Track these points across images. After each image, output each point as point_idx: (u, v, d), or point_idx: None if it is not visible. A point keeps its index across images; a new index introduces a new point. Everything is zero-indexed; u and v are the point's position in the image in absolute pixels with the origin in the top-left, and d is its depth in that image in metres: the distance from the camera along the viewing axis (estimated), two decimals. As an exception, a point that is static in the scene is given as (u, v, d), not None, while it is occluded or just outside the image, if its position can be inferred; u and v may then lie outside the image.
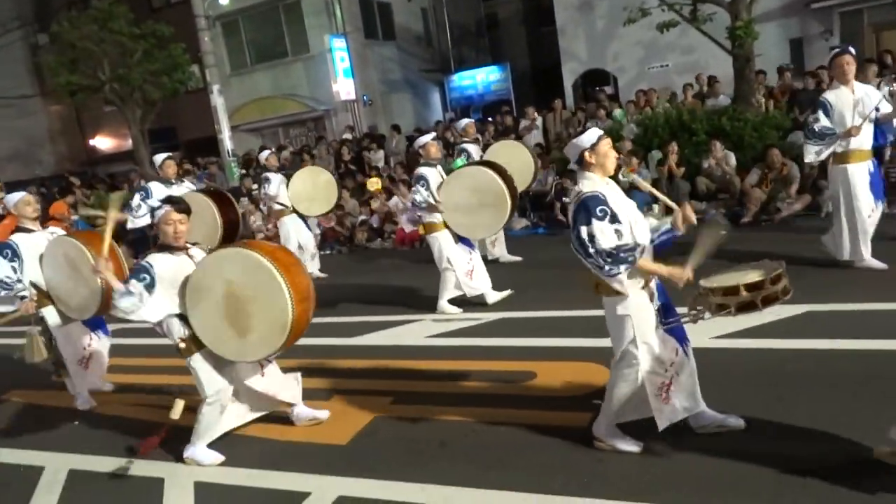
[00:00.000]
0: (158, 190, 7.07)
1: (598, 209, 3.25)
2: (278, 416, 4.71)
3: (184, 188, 7.26)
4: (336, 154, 14.62)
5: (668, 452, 3.48)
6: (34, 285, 5.13)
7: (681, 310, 3.50)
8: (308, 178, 9.04)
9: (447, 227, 6.49)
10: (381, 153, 14.36)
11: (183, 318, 3.98)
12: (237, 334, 3.83)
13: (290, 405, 4.49)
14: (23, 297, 5.09)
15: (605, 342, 5.10)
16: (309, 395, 4.98)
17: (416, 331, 6.22)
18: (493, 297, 6.65)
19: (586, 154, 3.40)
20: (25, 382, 6.33)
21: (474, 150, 8.31)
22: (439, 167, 6.68)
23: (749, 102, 10.61)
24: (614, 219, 3.27)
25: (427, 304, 6.76)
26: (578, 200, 3.34)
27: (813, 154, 5.96)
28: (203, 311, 3.90)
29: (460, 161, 6.87)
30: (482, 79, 22.38)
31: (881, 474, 2.99)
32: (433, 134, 7.10)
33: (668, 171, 9.67)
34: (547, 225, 10.28)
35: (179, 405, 4.16)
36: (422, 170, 6.58)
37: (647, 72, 18.01)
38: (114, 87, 16.28)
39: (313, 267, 8.97)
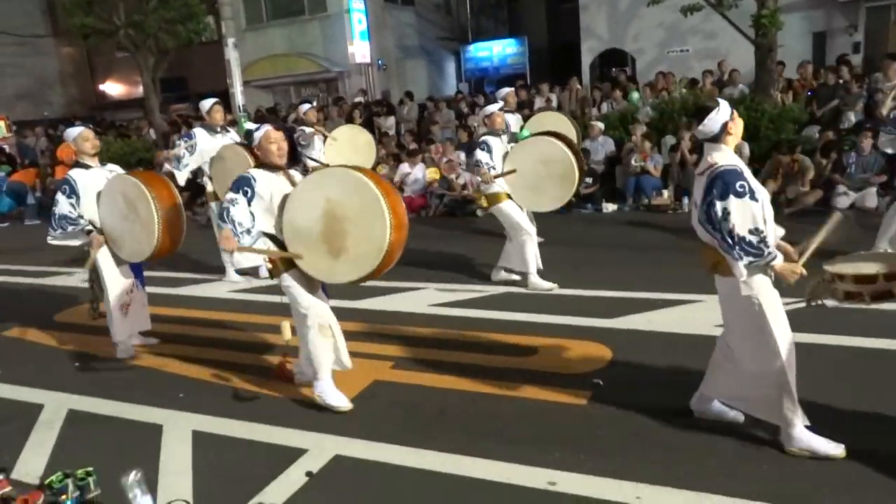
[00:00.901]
0: (203, 136, 6.90)
1: (737, 184, 3.05)
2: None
3: (228, 138, 7.07)
4: (347, 117, 14.51)
5: (666, 435, 3.51)
6: (91, 224, 5.06)
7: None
8: (346, 137, 8.82)
9: (509, 197, 6.24)
10: (391, 119, 14.26)
11: (272, 238, 3.95)
12: (331, 254, 3.79)
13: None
14: (88, 232, 5.01)
15: (608, 323, 5.17)
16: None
17: (418, 298, 6.23)
18: (501, 275, 6.50)
19: (730, 124, 3.21)
20: (27, 320, 6.37)
21: (513, 121, 7.99)
22: (504, 137, 6.41)
23: (768, 93, 10.50)
24: (753, 196, 3.06)
25: (432, 272, 6.75)
26: (714, 173, 3.12)
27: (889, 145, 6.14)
28: (300, 227, 3.85)
29: (526, 132, 6.61)
30: (498, 51, 22.14)
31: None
32: (499, 104, 6.79)
33: (681, 157, 9.61)
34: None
35: (287, 326, 4.06)
36: (485, 137, 6.33)
37: (666, 55, 17.79)
38: (128, 33, 16.08)
39: None
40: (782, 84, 11.41)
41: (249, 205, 3.84)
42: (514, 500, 3.14)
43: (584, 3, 18.91)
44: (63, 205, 4.96)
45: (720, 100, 3.31)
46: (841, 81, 10.55)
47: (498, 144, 6.29)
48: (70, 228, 4.98)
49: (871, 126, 8.95)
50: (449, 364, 4.68)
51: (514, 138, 6.49)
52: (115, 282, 5.15)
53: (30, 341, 5.95)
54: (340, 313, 5.83)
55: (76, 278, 8.09)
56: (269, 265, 4.04)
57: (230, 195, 3.88)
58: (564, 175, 6.06)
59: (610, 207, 9.95)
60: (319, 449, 3.68)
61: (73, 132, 5.14)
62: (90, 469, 3.44)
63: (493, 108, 6.57)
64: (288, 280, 4.00)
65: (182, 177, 6.86)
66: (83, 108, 24.28)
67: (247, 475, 3.47)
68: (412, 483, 3.33)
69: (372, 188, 3.68)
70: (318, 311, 4.02)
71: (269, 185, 3.92)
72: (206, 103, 7.12)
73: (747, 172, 3.15)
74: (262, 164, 4.02)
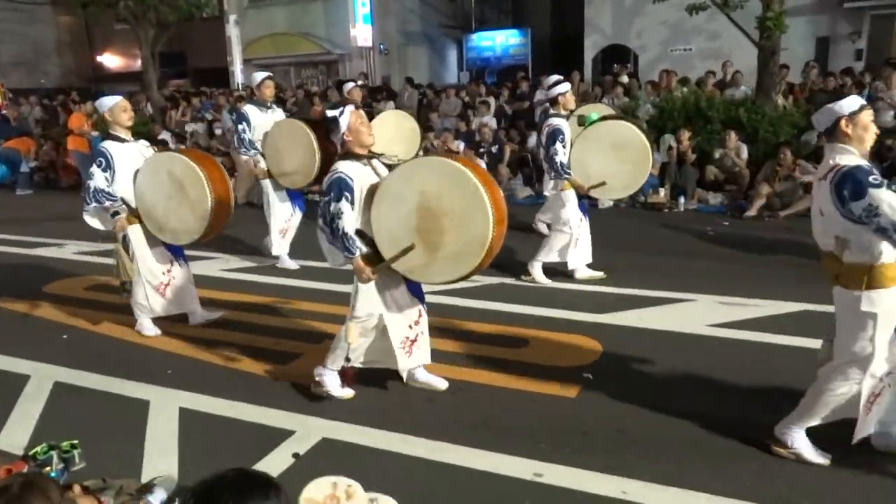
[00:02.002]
0: (254, 114, 6.70)
1: (870, 177, 2.80)
2: (270, 351, 4.74)
3: (279, 113, 6.91)
4: (344, 101, 14.41)
5: (653, 431, 3.52)
6: (123, 202, 4.87)
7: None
8: (392, 122, 8.34)
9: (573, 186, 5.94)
10: (391, 104, 14.16)
11: (360, 233, 3.67)
12: (426, 251, 3.52)
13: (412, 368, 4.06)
14: (115, 215, 4.82)
15: (600, 318, 5.18)
16: (298, 337, 5.03)
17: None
18: (584, 273, 6.22)
19: (842, 123, 2.92)
20: (15, 291, 6.32)
21: (566, 127, 7.86)
22: (573, 120, 6.09)
23: (769, 96, 10.49)
24: (889, 185, 2.84)
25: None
26: (838, 175, 2.86)
27: None
28: (392, 223, 3.57)
29: (595, 115, 6.28)
30: (501, 41, 22.04)
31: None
32: (568, 84, 6.23)
33: (679, 156, 9.60)
34: (551, 196, 10.20)
35: (352, 328, 3.77)
36: (557, 121, 5.91)
37: (669, 53, 17.75)
38: (128, 4, 15.85)
39: None
40: (784, 87, 11.41)
41: (353, 209, 3.58)
42: (500, 490, 3.14)
43: (589, -4, 18.83)
44: (98, 178, 4.74)
45: (854, 96, 3.07)
46: (840, 86, 10.57)
47: (567, 128, 5.95)
48: (107, 203, 4.78)
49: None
50: (440, 353, 4.65)
51: (581, 121, 6.16)
52: (150, 262, 5.00)
53: (18, 312, 5.90)
54: (329, 297, 5.88)
55: (67, 250, 8.04)
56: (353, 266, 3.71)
57: (333, 205, 3.55)
58: (638, 161, 5.79)
59: (606, 203, 9.93)
60: (307, 431, 3.67)
61: (109, 101, 4.88)
62: (75, 442, 3.43)
63: (563, 87, 6.08)
64: (369, 283, 3.73)
65: (246, 158, 6.75)
66: (79, 79, 24.04)
67: (233, 454, 3.46)
68: (398, 469, 3.33)
69: (472, 179, 3.39)
70: (368, 324, 3.80)
71: (360, 178, 3.64)
72: (258, 76, 6.90)
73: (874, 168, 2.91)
74: (346, 153, 3.69)
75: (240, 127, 6.72)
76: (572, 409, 3.82)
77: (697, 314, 5.18)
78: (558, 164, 5.84)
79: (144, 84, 16.94)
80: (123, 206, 4.84)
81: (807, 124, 10.10)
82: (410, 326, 3.90)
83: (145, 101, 16.40)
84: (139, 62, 17.60)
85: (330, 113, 3.73)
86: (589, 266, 6.22)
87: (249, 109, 6.77)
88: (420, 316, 3.96)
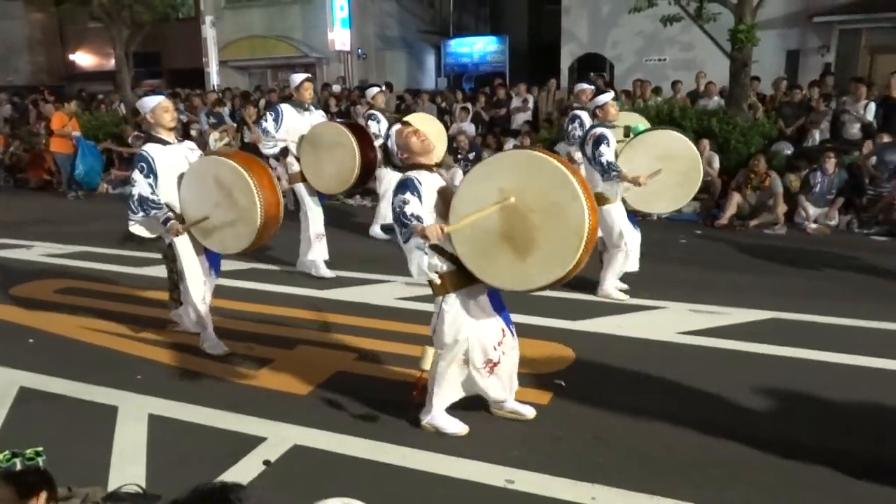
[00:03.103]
0: (290, 114, 6.35)
1: None
2: (243, 357, 4.70)
3: (317, 116, 6.60)
4: (324, 104, 14.36)
5: (624, 438, 3.56)
6: (168, 208, 4.53)
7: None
8: (417, 124, 8.35)
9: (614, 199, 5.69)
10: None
11: (438, 248, 3.39)
12: (515, 255, 3.20)
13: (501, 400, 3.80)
14: (165, 222, 4.45)
15: (573, 325, 5.21)
16: (271, 343, 4.99)
17: (385, 292, 6.21)
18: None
19: None
20: (-18, 294, 6.20)
21: (587, 118, 7.54)
22: (617, 130, 5.86)
23: (740, 107, 10.68)
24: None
25: (400, 265, 6.71)
26: None
27: None
28: (472, 230, 3.25)
29: (641, 126, 6.19)
30: (479, 48, 22.13)
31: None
32: (612, 93, 6.13)
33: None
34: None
35: (430, 353, 3.45)
36: (602, 130, 5.64)
37: (643, 63, 17.98)
38: (102, 3, 15.66)
39: None
40: (754, 99, 11.62)
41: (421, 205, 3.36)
42: (471, 497, 3.15)
43: (566, 5, 19.02)
44: (142, 185, 4.41)
45: None
46: (808, 100, 10.80)
47: (613, 137, 5.70)
48: (153, 212, 4.44)
49: (835, 146, 9.19)
50: (413, 358, 4.62)
51: (627, 132, 6.01)
52: (196, 273, 4.67)
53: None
54: (307, 302, 5.86)
55: (35, 252, 7.90)
56: (439, 280, 3.44)
57: (397, 199, 3.35)
58: (688, 173, 5.60)
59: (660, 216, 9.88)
60: (278, 438, 3.64)
61: (151, 102, 4.55)
62: (39, 449, 3.33)
63: (606, 97, 5.93)
64: (453, 305, 3.46)
65: (269, 150, 6.37)
66: (51, 78, 23.60)
67: (203, 461, 3.43)
68: (370, 476, 3.32)
69: (556, 165, 3.09)
70: (458, 351, 3.51)
71: (429, 185, 3.43)
72: (297, 78, 6.54)
73: None
74: (412, 167, 3.50)
75: (265, 115, 6.42)
76: (544, 415, 3.84)
77: (669, 322, 5.25)
78: (606, 164, 5.50)
79: (118, 84, 16.72)
80: (170, 212, 4.50)
81: (777, 135, 10.32)
82: (494, 348, 3.57)
83: (118, 101, 16.19)
84: (113, 61, 17.38)
85: (378, 143, 3.67)
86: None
87: (286, 108, 6.39)
88: (504, 336, 3.62)
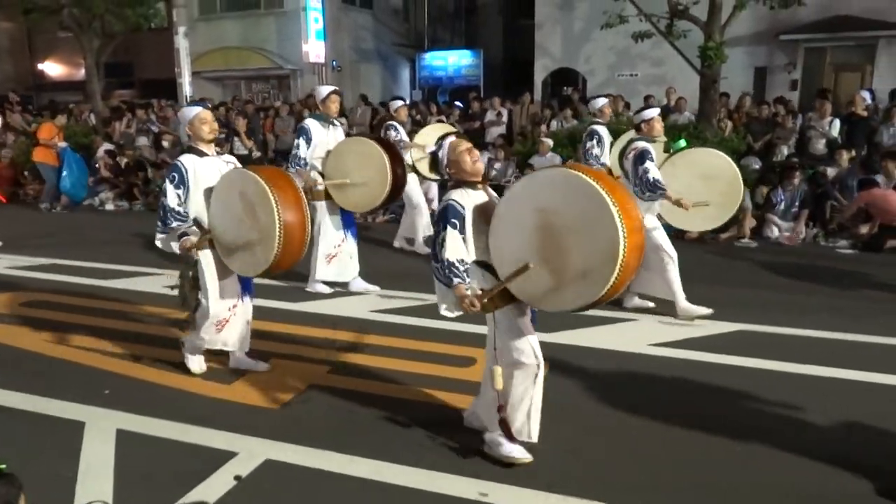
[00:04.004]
0: (317, 129, 6.13)
1: None
2: (215, 370, 4.65)
3: (339, 131, 6.41)
4: (297, 116, 14.33)
5: (595, 450, 3.59)
6: (196, 223, 4.31)
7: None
8: (432, 137, 7.67)
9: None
10: (343, 120, 14.11)
11: (483, 264, 3.33)
12: (552, 276, 3.13)
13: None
14: (182, 236, 4.24)
15: (545, 337, 5.21)
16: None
17: (359, 304, 6.19)
18: (635, 302, 5.92)
19: None
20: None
21: (605, 133, 7.72)
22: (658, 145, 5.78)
23: (710, 122, 10.90)
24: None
25: (374, 277, 6.72)
26: None
27: None
28: (514, 249, 3.18)
29: (683, 142, 6.13)
30: (454, 61, 22.31)
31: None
32: (657, 109, 5.98)
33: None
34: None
35: (498, 372, 3.30)
36: (646, 144, 5.52)
37: (616, 78, 18.29)
38: (73, 13, 15.48)
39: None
40: (725, 114, 11.87)
41: (463, 237, 3.27)
42: (444, 511, 3.14)
43: (539, 21, 19.29)
44: (170, 195, 4.22)
45: None
46: (774, 116, 11.05)
47: (654, 152, 5.57)
48: (175, 223, 4.24)
49: (801, 161, 9.41)
50: (387, 372, 4.66)
51: (667, 148, 5.96)
52: (219, 294, 4.37)
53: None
54: (280, 315, 5.81)
55: (0, 264, 7.74)
56: (486, 298, 3.29)
57: (439, 235, 3.26)
58: (728, 193, 5.55)
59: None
60: (249, 453, 3.60)
61: (189, 113, 4.37)
62: (2, 466, 3.27)
63: (653, 111, 5.82)
64: (506, 319, 3.36)
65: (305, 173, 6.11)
66: (19, 87, 23.18)
67: (172, 478, 3.37)
68: (343, 490, 3.29)
69: (591, 184, 3.00)
70: (535, 359, 3.37)
71: (472, 204, 3.33)
72: (323, 90, 6.34)
73: None
74: (458, 183, 3.39)
75: (296, 142, 6.17)
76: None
77: (640, 334, 5.31)
78: (652, 181, 5.34)
79: (88, 94, 16.52)
80: (195, 227, 4.29)
81: (746, 150, 10.54)
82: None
83: (88, 111, 15.99)
84: (83, 71, 17.18)
85: (430, 150, 3.57)
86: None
87: (311, 124, 6.17)
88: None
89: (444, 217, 3.28)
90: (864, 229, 8.21)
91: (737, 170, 5.72)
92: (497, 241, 3.26)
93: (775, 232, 8.59)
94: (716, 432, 3.74)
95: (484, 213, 3.33)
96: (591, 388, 4.38)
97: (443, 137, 3.53)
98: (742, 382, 4.37)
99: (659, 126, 5.72)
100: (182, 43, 14.03)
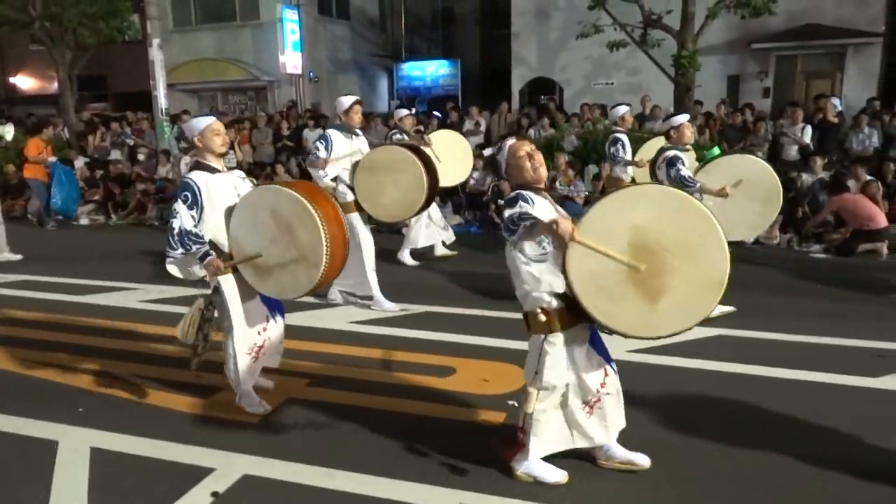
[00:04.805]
0: (339, 140, 5.99)
1: None
2: (191, 385, 4.58)
3: (363, 140, 6.26)
4: (276, 128, 14.26)
5: (578, 457, 3.58)
6: (213, 245, 3.94)
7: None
8: (441, 144, 7.58)
9: None
10: (318, 131, 14.07)
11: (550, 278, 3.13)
12: (644, 299, 2.95)
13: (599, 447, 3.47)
14: (203, 257, 3.88)
15: (522, 344, 5.22)
16: (221, 370, 4.85)
17: (338, 315, 6.15)
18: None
19: None
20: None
21: (627, 140, 7.78)
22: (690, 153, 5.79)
23: (685, 130, 11.02)
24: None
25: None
26: None
27: None
28: (599, 269, 2.96)
29: (717, 149, 6.03)
30: (431, 71, 22.39)
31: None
32: (686, 116, 6.02)
33: (602, 185, 9.92)
34: (480, 224, 10.37)
35: (533, 395, 3.21)
36: (676, 152, 5.58)
37: (592, 87, 18.47)
38: (44, 26, 15.32)
39: (445, 237, 8.24)
40: (700, 121, 12.02)
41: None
42: (425, 523, 3.11)
43: (515, 31, 19.44)
44: (184, 217, 3.82)
45: None
46: (746, 123, 11.22)
47: (687, 159, 5.57)
48: (194, 248, 3.85)
49: (774, 167, 9.53)
50: (366, 383, 4.63)
51: (700, 156, 5.86)
52: (242, 320, 4.05)
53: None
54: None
55: (-29, 281, 7.59)
56: (543, 317, 3.14)
57: (512, 209, 3.03)
58: (767, 198, 5.46)
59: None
60: (227, 468, 3.55)
61: (200, 123, 3.98)
62: (-28, 488, 3.21)
63: (682, 118, 5.82)
64: (557, 344, 3.18)
65: (326, 182, 5.92)
66: (-10, 101, 22.93)
67: (148, 496, 3.32)
68: (322, 504, 3.26)
69: (695, 204, 2.93)
70: (556, 395, 3.24)
71: (542, 206, 3.10)
72: (346, 101, 6.15)
73: None
74: (521, 185, 3.18)
75: (315, 144, 6.06)
76: (498, 436, 3.83)
77: (618, 340, 5.30)
78: (687, 177, 5.44)
79: (61, 108, 16.34)
80: (209, 251, 3.91)
81: (720, 156, 10.66)
82: (597, 389, 3.32)
83: (62, 125, 15.79)
84: (56, 85, 16.98)
85: (487, 152, 3.34)
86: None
87: (334, 134, 6.03)
88: (606, 376, 3.35)
89: (516, 200, 3.06)
90: (836, 234, 8.35)
91: (773, 173, 5.63)
92: (578, 257, 2.98)
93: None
94: (690, 437, 3.75)
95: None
96: (571, 395, 4.37)
97: (503, 138, 3.33)
98: (721, 387, 4.41)
99: (689, 132, 5.72)
100: (157, 55, 13.90)
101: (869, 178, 8.70)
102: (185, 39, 20.19)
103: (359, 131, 6.25)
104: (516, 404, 4.20)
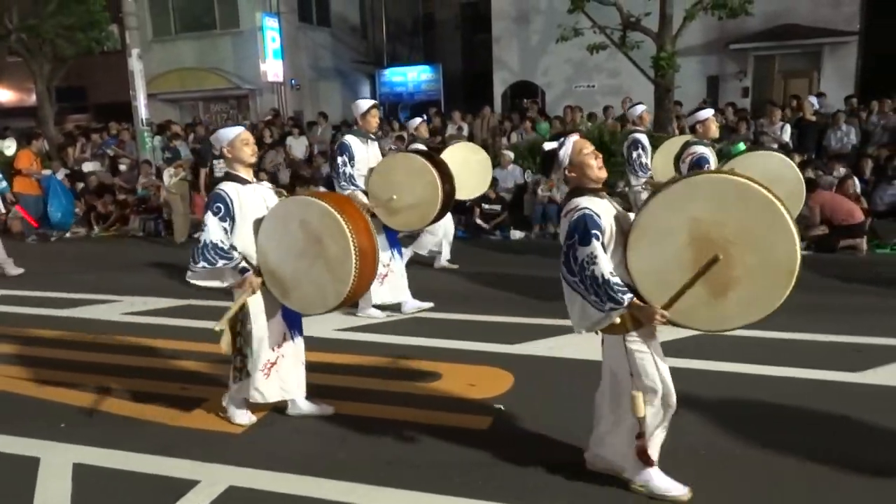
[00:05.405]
0: (357, 147, 5.90)
1: None
2: (176, 397, 4.54)
3: (376, 146, 6.19)
4: (258, 136, 14.21)
5: (565, 460, 3.59)
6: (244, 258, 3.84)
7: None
8: (458, 156, 7.30)
9: None
10: (303, 139, 14.06)
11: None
12: (710, 293, 2.89)
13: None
14: (243, 271, 3.78)
15: (511, 349, 5.25)
16: (207, 381, 4.84)
17: (323, 323, 6.09)
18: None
19: None
20: None
21: (645, 140, 7.50)
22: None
23: (665, 130, 11.12)
24: None
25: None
26: None
27: None
28: (658, 265, 2.93)
29: (742, 145, 5.98)
30: (413, 77, 22.39)
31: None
32: (711, 110, 5.86)
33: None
34: (466, 229, 10.39)
35: (640, 398, 3.05)
36: (700, 149, 5.48)
37: (573, 90, 18.57)
38: (21, 38, 15.17)
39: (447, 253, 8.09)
40: (680, 122, 12.12)
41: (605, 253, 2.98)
42: (412, 529, 3.11)
43: (496, 35, 19.51)
44: (215, 230, 3.73)
45: None
46: (726, 123, 11.34)
47: (713, 157, 5.45)
48: (221, 263, 3.73)
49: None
50: (352, 390, 4.61)
51: (724, 153, 5.78)
52: (266, 333, 3.97)
53: None
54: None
55: (-51, 297, 7.49)
56: (617, 320, 3.01)
57: (581, 250, 2.95)
58: (789, 197, 5.47)
59: (517, 235, 10.18)
60: (212, 480, 3.52)
61: (229, 133, 3.90)
62: (-48, 508, 3.16)
63: (707, 112, 5.75)
64: (637, 341, 3.08)
65: (347, 192, 5.79)
66: (-34, 113, 22.65)
67: (131, 510, 3.28)
68: (309, 514, 3.24)
69: (762, 192, 2.82)
70: (670, 388, 3.12)
71: (605, 214, 3.03)
72: (363, 105, 6.04)
73: None
74: (577, 189, 3.12)
75: (339, 160, 5.88)
76: (484, 441, 3.83)
77: (599, 342, 5.33)
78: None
79: (40, 120, 16.18)
80: (246, 264, 3.81)
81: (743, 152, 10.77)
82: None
83: (42, 138, 15.63)
84: (34, 97, 16.82)
85: (548, 146, 3.22)
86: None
87: (352, 141, 5.93)
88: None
89: (584, 229, 2.95)
90: (816, 231, 8.43)
91: (798, 172, 5.59)
92: (638, 255, 2.97)
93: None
94: (678, 437, 3.77)
95: (618, 225, 3.05)
96: (558, 398, 4.38)
97: (562, 134, 3.25)
98: (702, 385, 4.43)
99: (714, 126, 5.68)
100: (136, 65, 13.80)
101: (844, 171, 8.80)
102: (164, 49, 20.07)
103: (372, 136, 6.17)
104: (502, 408, 4.22)
